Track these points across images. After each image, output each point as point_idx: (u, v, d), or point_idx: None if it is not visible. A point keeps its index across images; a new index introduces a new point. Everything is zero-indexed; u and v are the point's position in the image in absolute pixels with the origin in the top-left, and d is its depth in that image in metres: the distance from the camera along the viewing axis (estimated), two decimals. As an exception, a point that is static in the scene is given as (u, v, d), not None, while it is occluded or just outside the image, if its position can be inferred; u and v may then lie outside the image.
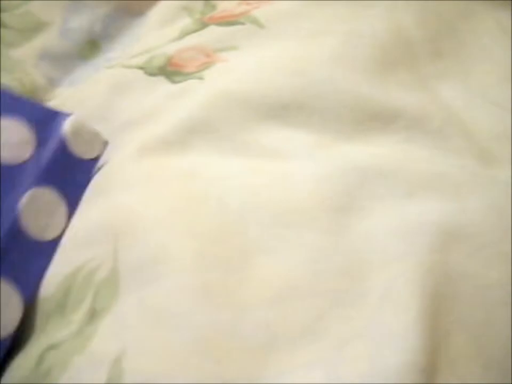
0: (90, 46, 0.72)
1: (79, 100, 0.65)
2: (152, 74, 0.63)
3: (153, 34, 0.69)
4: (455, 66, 0.63)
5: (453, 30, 0.66)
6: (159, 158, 0.57)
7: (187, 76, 0.62)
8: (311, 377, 0.45)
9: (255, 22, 0.65)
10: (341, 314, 0.47)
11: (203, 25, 0.67)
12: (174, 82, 0.62)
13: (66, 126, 0.58)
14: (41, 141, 0.57)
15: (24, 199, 0.55)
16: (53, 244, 0.55)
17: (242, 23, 0.65)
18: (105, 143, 0.59)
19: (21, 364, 0.51)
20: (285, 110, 0.58)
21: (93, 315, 0.50)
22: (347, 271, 0.49)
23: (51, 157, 0.57)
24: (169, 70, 0.63)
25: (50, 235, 0.55)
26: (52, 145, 0.57)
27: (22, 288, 0.53)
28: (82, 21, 0.73)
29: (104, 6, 0.73)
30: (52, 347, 0.50)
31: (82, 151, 0.58)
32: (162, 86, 0.62)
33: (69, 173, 0.57)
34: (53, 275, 0.54)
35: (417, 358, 0.44)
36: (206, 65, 0.62)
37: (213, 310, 0.48)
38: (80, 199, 0.57)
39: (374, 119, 0.58)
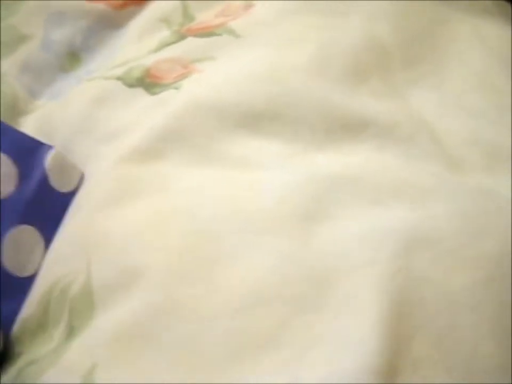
0: (71, 58, 0.73)
1: (61, 113, 0.66)
2: (130, 85, 0.64)
3: (132, 46, 0.70)
4: (429, 73, 0.64)
5: (428, 38, 0.66)
6: (132, 170, 0.57)
7: (164, 87, 0.63)
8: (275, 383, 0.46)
9: (232, 33, 0.65)
10: (304, 321, 0.48)
11: (181, 37, 0.67)
12: (152, 93, 0.63)
13: (48, 160, 0.59)
14: (23, 175, 0.58)
15: (7, 239, 0.56)
16: (31, 280, 0.56)
17: (219, 34, 0.66)
18: (82, 175, 0.60)
19: (2, 381, 0.52)
20: (258, 119, 0.59)
21: (71, 332, 0.51)
22: (312, 277, 0.50)
23: (33, 192, 0.58)
24: (148, 82, 0.64)
25: (28, 272, 0.56)
26: (34, 180, 0.58)
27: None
28: (63, 34, 0.74)
29: (85, 19, 0.74)
30: (31, 363, 0.51)
31: (61, 184, 0.59)
32: (141, 97, 0.63)
33: (49, 207, 0.58)
34: (32, 294, 0.55)
35: (375, 361, 0.45)
36: (183, 76, 0.63)
37: (179, 324, 0.49)
38: (56, 233, 0.58)
39: (345, 128, 0.59)
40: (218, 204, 0.54)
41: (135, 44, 0.70)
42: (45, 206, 0.58)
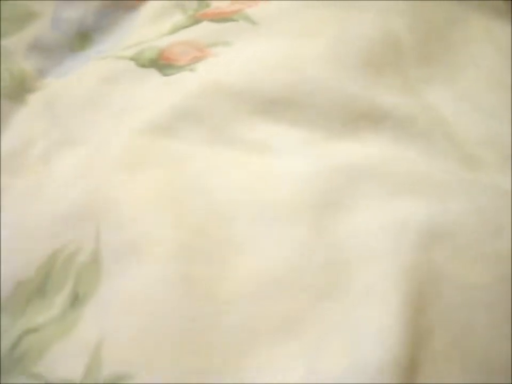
0: (82, 38, 0.72)
1: (70, 89, 0.65)
2: (143, 66, 0.64)
3: (145, 29, 0.69)
4: (443, 72, 0.64)
5: (442, 36, 0.66)
6: (148, 142, 0.57)
7: (178, 68, 0.62)
8: (291, 373, 0.45)
9: (248, 19, 0.65)
10: (322, 310, 0.47)
11: (196, 21, 0.67)
12: (165, 75, 0.62)
13: None
14: None
15: None
16: None
17: (235, 20, 0.65)
18: None
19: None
20: (275, 105, 0.58)
21: (75, 300, 0.50)
22: (330, 267, 0.49)
23: None
24: (161, 63, 0.63)
25: None
26: None
27: None
28: (74, 13, 0.73)
29: (96, 1, 0.73)
30: (30, 330, 0.50)
31: None
32: (154, 77, 0.62)
33: None
34: (31, 257, 0.53)
35: (397, 355, 0.44)
36: (198, 59, 0.63)
37: (194, 302, 0.48)
38: None
39: (362, 118, 0.58)
40: (235, 188, 0.53)
41: (148, 27, 0.69)
42: None
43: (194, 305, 0.48)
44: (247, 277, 0.49)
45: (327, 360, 0.45)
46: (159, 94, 0.60)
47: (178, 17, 0.68)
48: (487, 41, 0.67)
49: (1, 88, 0.66)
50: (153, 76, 0.62)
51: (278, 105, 0.58)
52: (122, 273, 0.50)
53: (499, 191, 0.54)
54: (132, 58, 0.64)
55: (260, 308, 0.48)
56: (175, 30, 0.67)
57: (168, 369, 0.46)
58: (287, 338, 0.47)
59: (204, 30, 0.65)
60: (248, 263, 0.50)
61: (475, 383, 0.46)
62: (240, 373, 0.46)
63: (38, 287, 0.52)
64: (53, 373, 0.47)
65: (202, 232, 0.51)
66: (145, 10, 0.72)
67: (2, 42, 0.71)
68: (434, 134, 0.58)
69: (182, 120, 0.57)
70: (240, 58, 0.62)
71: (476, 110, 0.61)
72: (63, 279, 0.51)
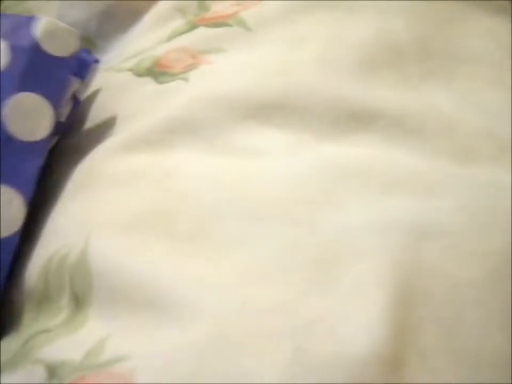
0: (86, 45, 0.73)
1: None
2: (140, 75, 0.65)
3: (146, 36, 0.70)
4: (442, 68, 0.63)
5: (442, 33, 0.66)
6: (140, 156, 0.58)
7: (172, 76, 0.63)
8: (280, 351, 0.46)
9: (243, 24, 0.65)
10: (309, 303, 0.48)
11: (193, 26, 0.67)
12: (160, 82, 0.63)
13: (38, 28, 0.60)
14: (15, 48, 0.59)
15: (7, 106, 0.57)
16: (43, 143, 0.58)
17: (230, 25, 0.66)
18: (79, 38, 0.61)
19: (9, 346, 0.53)
20: (266, 109, 0.59)
21: (77, 302, 0.52)
22: (318, 263, 0.50)
23: (27, 61, 0.59)
24: (156, 71, 0.64)
25: (39, 135, 0.58)
26: (25, 49, 0.59)
27: (21, 188, 0.56)
28: (78, 18, 0.74)
29: (100, 4, 0.74)
30: (42, 331, 0.52)
31: (57, 49, 0.60)
32: (149, 86, 0.63)
33: (47, 73, 0.59)
34: (32, 267, 0.56)
35: (381, 349, 0.45)
36: (191, 67, 0.63)
37: (181, 291, 0.50)
38: (63, 95, 0.59)
39: (353, 119, 0.58)
40: (225, 190, 0.54)
41: (149, 34, 0.70)
42: (43, 72, 0.59)
43: (182, 293, 0.50)
44: (233, 271, 0.50)
45: (314, 344, 0.46)
46: (153, 105, 0.61)
47: (178, 23, 0.69)
48: (489, 38, 0.66)
49: None
50: (148, 84, 0.63)
51: (270, 109, 0.59)
52: (112, 272, 0.52)
53: (492, 184, 0.55)
54: (130, 69, 0.65)
55: (245, 295, 0.49)
56: (173, 36, 0.67)
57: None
58: (275, 319, 0.47)
59: (199, 36, 0.66)
60: (236, 259, 0.51)
61: (469, 375, 0.46)
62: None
63: (42, 293, 0.54)
64: (55, 357, 0.50)
65: (192, 237, 0.52)
66: (148, 17, 0.72)
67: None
68: (429, 130, 0.58)
69: (174, 133, 0.59)
70: (233, 65, 0.62)
71: (474, 106, 0.61)
72: (60, 282, 0.54)
